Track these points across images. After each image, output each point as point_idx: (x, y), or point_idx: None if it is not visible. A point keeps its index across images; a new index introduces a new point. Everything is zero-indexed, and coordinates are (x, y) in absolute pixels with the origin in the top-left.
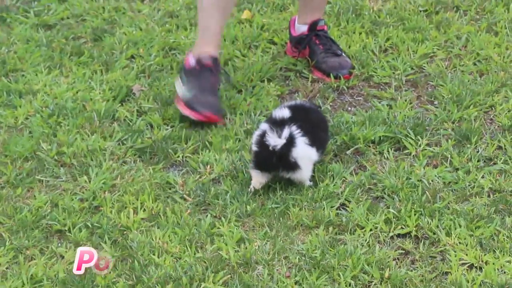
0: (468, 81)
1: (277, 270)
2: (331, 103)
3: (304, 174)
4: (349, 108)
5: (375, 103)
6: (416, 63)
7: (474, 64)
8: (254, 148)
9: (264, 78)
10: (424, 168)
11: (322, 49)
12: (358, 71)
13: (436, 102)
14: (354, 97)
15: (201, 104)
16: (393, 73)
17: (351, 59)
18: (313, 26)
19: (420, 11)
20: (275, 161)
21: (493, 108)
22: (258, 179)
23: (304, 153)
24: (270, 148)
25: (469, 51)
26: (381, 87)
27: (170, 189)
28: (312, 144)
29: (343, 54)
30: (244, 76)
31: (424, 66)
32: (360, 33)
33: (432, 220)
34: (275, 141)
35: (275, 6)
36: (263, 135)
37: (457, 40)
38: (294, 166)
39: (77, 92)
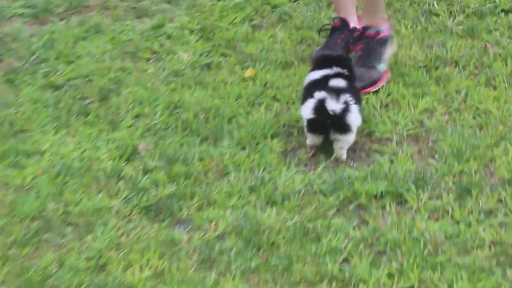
0: (468, 135)
1: None
2: (333, 159)
3: (353, 137)
4: (352, 163)
5: (377, 157)
6: (416, 117)
7: (474, 118)
8: (312, 114)
9: (267, 135)
10: (425, 221)
11: (360, 55)
12: (360, 127)
13: (436, 156)
14: (356, 152)
15: None
16: (394, 128)
17: None
18: (363, 29)
19: (420, 66)
20: (330, 124)
21: (493, 161)
22: (313, 140)
23: (355, 119)
24: (330, 112)
25: (468, 105)
26: (383, 142)
27: (175, 246)
28: (360, 112)
29: (377, 67)
30: (247, 133)
31: (425, 121)
32: (361, 88)
33: (434, 273)
34: (334, 106)
35: (278, 63)
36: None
37: (457, 94)
38: (347, 129)
39: (83, 152)
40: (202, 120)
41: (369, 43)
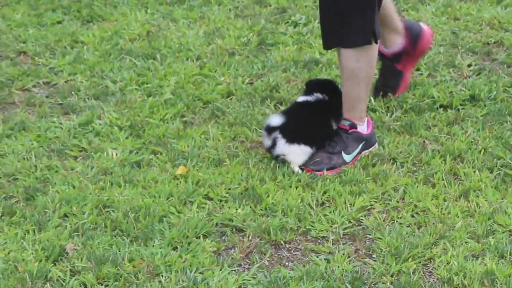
0: (406, 233)
1: None
2: (268, 259)
3: (291, 158)
4: (287, 263)
5: (312, 257)
6: (353, 216)
7: (412, 216)
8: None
9: (199, 234)
10: None
11: (328, 143)
12: (294, 225)
13: (374, 255)
14: (292, 251)
15: None
16: (331, 226)
17: (288, 214)
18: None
19: (356, 163)
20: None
21: (432, 261)
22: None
23: (282, 149)
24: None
25: (406, 203)
26: (319, 241)
27: None
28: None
29: (343, 155)
30: (179, 233)
31: (362, 219)
32: (297, 187)
33: None
34: (266, 143)
35: (210, 161)
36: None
37: (395, 192)
38: (277, 158)
39: (8, 253)
40: (132, 219)
41: (341, 134)
